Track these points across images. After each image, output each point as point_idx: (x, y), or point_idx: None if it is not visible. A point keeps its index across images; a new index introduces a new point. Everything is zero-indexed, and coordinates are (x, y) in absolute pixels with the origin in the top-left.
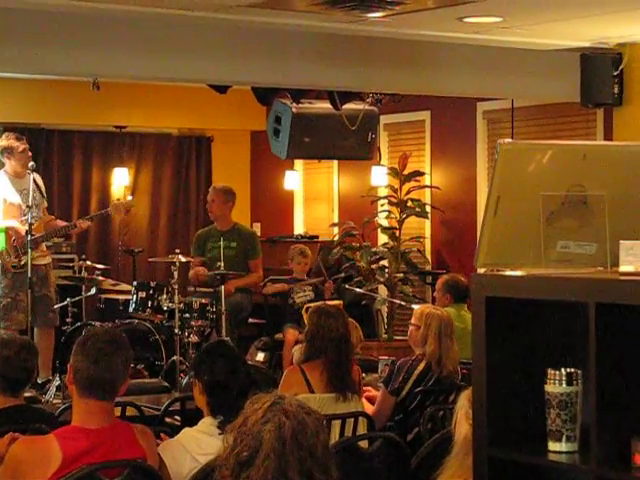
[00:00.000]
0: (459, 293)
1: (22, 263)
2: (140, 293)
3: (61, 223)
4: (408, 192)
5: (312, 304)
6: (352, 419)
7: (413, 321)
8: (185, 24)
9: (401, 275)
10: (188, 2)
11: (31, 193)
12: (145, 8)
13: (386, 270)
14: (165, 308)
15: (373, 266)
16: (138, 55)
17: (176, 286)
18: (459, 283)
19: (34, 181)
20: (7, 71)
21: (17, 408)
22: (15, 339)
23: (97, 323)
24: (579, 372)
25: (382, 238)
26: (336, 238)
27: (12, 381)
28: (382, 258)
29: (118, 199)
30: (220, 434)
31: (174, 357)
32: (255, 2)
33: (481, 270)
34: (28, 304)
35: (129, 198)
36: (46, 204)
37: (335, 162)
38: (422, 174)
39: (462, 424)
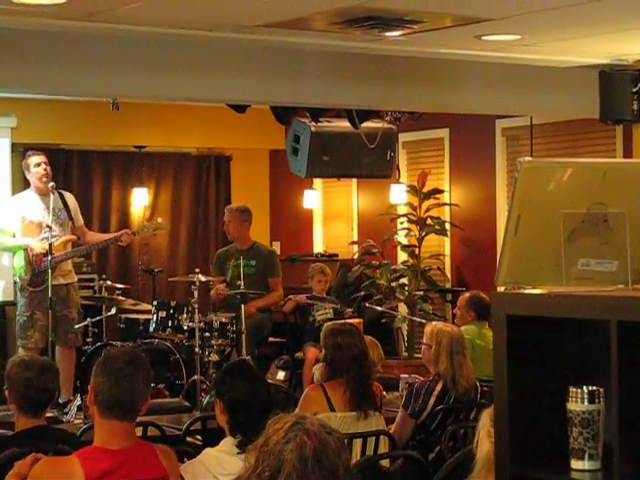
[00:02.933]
0: (482, 311)
1: (42, 284)
2: (160, 312)
3: (95, 238)
4: (427, 210)
5: (331, 323)
6: (373, 437)
7: (424, 340)
8: (203, 44)
9: (421, 293)
10: (206, 22)
11: (51, 212)
12: (163, 29)
13: (406, 288)
14: (185, 327)
15: (393, 284)
16: (157, 75)
17: (196, 305)
18: (483, 301)
19: (61, 200)
20: (26, 92)
21: (39, 429)
22: (36, 360)
23: (118, 343)
24: (601, 390)
25: (402, 256)
26: (356, 256)
27: (34, 402)
28: (402, 276)
29: (149, 220)
30: (239, 453)
31: (195, 376)
32: (273, 22)
33: (502, 288)
34: (49, 324)
35: (159, 220)
36: (78, 223)
37: (354, 180)
38: (441, 192)
39: (484, 442)
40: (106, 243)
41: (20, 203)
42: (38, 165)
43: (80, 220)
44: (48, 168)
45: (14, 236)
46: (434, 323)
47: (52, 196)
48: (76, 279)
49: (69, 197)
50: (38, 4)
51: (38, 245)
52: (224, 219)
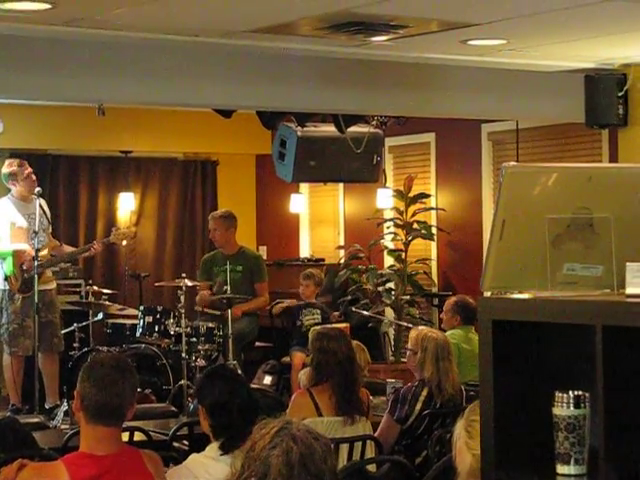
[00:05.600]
0: (468, 315)
1: (30, 290)
2: (147, 318)
3: (68, 248)
4: (414, 214)
5: (319, 327)
6: (360, 442)
7: (409, 346)
8: (190, 50)
9: (407, 297)
10: (192, 28)
11: (37, 218)
12: (150, 34)
13: (392, 292)
14: (172, 332)
15: (379, 288)
16: (143, 81)
17: (183, 310)
18: (469, 305)
19: (40, 206)
20: (13, 98)
21: None
22: None
23: (104, 348)
24: (587, 395)
25: (388, 260)
26: (342, 261)
27: None
28: (388, 280)
29: (119, 228)
30: (222, 454)
31: (181, 381)
32: (259, 27)
33: (487, 293)
34: (35, 330)
35: (132, 229)
36: (51, 229)
37: (341, 185)
38: (427, 196)
39: (464, 454)
40: (80, 253)
41: (6, 209)
42: (27, 177)
43: (51, 227)
44: (34, 177)
45: (1, 241)
46: (419, 328)
47: (35, 202)
48: (56, 284)
49: (44, 204)
50: (24, 10)
51: (30, 250)
52: (209, 227)
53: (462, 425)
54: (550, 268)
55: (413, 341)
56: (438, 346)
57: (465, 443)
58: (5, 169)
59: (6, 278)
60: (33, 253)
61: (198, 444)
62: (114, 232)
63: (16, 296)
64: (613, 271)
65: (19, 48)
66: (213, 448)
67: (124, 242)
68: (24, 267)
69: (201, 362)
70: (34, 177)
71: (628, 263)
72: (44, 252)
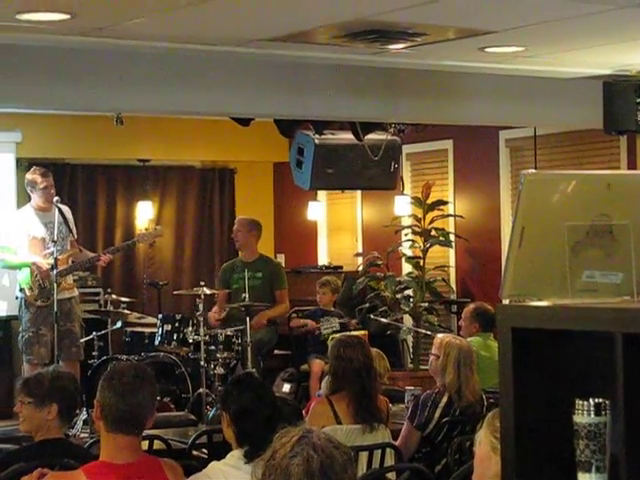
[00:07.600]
0: (487, 322)
1: (48, 299)
2: (166, 326)
3: (87, 255)
4: (432, 221)
5: (339, 334)
6: (379, 450)
7: (433, 351)
8: (207, 58)
9: (426, 304)
10: (210, 37)
11: (56, 227)
12: (167, 43)
13: (411, 300)
14: (191, 341)
15: (398, 296)
16: (161, 90)
17: (201, 318)
18: (487, 312)
19: (61, 214)
20: (31, 107)
21: (56, 442)
22: (64, 372)
23: (123, 357)
24: (607, 402)
25: (406, 267)
26: (360, 268)
27: (68, 412)
28: (407, 288)
29: (146, 228)
30: (246, 463)
31: (200, 390)
32: (277, 36)
33: (506, 301)
34: (54, 338)
35: (157, 228)
36: (74, 237)
37: (358, 192)
38: (445, 203)
39: (491, 460)
40: (89, 262)
41: (24, 219)
42: (45, 188)
43: (75, 234)
44: (53, 190)
45: (16, 253)
46: (445, 335)
47: (55, 211)
48: (77, 293)
49: (67, 211)
50: (43, 20)
51: (44, 262)
52: (233, 228)
53: (487, 432)
54: (569, 275)
55: (437, 346)
56: (461, 353)
57: (493, 449)
58: (27, 175)
59: (21, 289)
60: (44, 263)
61: (217, 452)
62: (140, 234)
63: (31, 305)
64: (633, 278)
65: (37, 58)
66: (234, 456)
67: (154, 241)
68: (37, 277)
69: (220, 370)
70: (53, 191)
71: None
72: (59, 260)
